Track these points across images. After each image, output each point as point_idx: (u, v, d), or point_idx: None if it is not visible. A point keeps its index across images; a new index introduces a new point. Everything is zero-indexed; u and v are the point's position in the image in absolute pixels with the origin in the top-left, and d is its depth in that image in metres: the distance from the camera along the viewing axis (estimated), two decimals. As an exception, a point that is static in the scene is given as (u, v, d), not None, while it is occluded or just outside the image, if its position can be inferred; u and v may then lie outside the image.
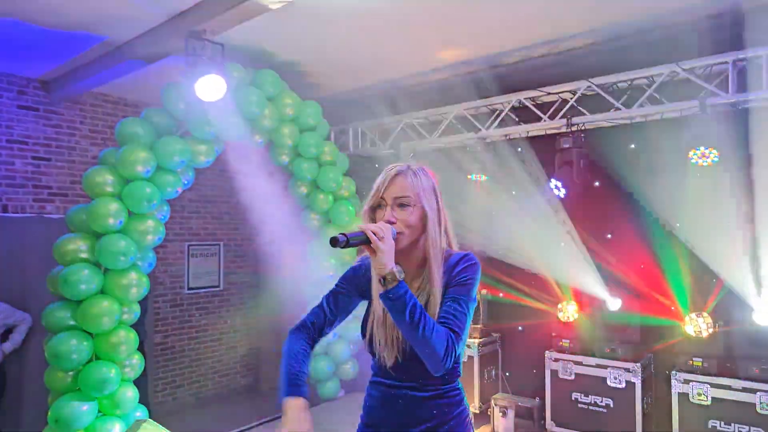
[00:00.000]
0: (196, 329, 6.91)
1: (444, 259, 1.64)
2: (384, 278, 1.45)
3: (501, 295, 5.41)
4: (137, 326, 4.11)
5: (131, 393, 3.76)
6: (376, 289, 1.60)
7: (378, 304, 1.65)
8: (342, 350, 6.00)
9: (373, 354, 1.71)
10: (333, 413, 5.60)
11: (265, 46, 4.61)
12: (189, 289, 6.83)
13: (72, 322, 3.58)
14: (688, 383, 3.93)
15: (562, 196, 4.78)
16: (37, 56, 4.59)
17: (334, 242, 1.46)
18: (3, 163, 5.02)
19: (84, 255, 3.67)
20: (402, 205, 1.61)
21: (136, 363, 3.83)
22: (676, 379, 3.98)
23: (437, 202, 1.67)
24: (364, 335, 1.73)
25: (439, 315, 1.55)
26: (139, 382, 4.20)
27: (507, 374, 5.51)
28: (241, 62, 4.55)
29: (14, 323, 4.39)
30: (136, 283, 3.78)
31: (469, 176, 5.67)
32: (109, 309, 3.58)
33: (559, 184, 4.65)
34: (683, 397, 3.94)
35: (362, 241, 1.48)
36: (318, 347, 6.14)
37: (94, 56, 4.60)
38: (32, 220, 5.12)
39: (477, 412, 5.19)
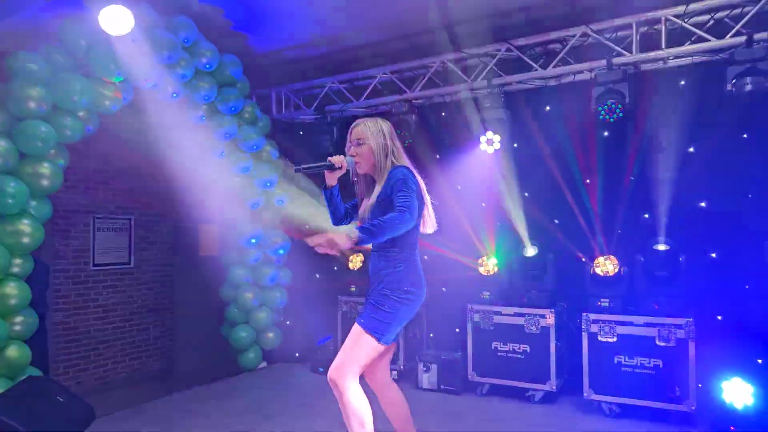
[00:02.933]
0: (103, 308, 6.37)
1: (388, 171, 2.55)
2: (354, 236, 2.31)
3: (425, 258, 5.46)
4: (36, 303, 3.72)
5: (21, 353, 3.38)
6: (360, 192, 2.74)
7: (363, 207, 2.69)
8: (264, 318, 5.81)
9: None
10: (253, 384, 5.39)
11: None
12: (95, 265, 6.29)
13: (-50, 273, 3.16)
14: (597, 323, 4.17)
15: (491, 152, 4.89)
16: None
17: (296, 170, 2.57)
18: None
19: (-35, 198, 3.24)
20: (358, 144, 2.58)
21: (27, 320, 3.45)
22: (586, 320, 4.21)
23: (384, 139, 2.58)
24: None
25: (395, 207, 2.41)
26: (40, 365, 3.81)
27: (431, 335, 5.59)
28: (154, 8, 4.25)
29: None
30: (28, 232, 3.40)
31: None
32: (-4, 257, 3.19)
33: (496, 138, 4.76)
34: (592, 336, 4.18)
35: (320, 167, 2.54)
36: (239, 315, 5.88)
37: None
38: None
39: (402, 369, 5.21)
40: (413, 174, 2.56)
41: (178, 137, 5.30)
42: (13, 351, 3.32)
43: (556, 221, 4.93)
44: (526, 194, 5.11)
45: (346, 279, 5.88)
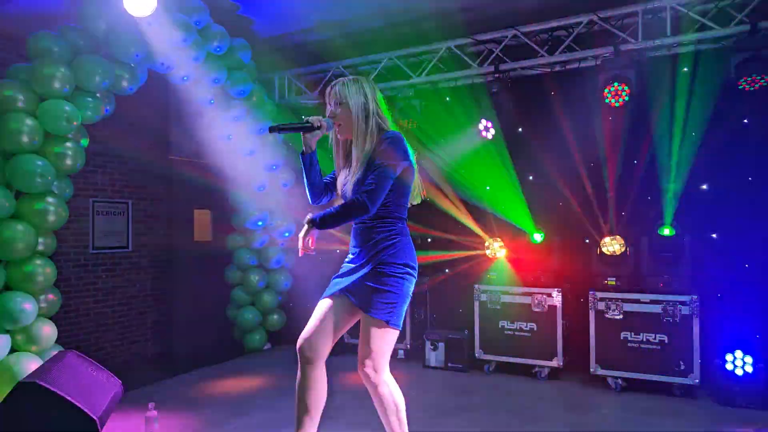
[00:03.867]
0: (102, 292, 6.35)
1: (379, 137, 2.29)
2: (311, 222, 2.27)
3: (429, 240, 5.59)
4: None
5: (49, 330, 3.39)
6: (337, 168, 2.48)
7: (342, 179, 2.45)
8: (269, 300, 5.88)
9: None
10: (258, 365, 5.45)
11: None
12: (94, 248, 6.26)
13: (-22, 251, 3.16)
14: (604, 301, 4.35)
15: (490, 137, 5.01)
16: None
17: (270, 130, 2.30)
18: None
19: (-10, 177, 3.23)
20: (337, 104, 2.31)
21: (53, 299, 3.46)
22: (593, 298, 4.39)
23: (366, 99, 2.30)
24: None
25: (363, 186, 2.22)
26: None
27: (434, 316, 5.72)
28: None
29: None
30: (53, 210, 3.41)
31: (401, 123, 5.75)
32: (24, 235, 3.20)
33: (489, 124, 4.88)
34: (599, 314, 4.36)
35: (296, 128, 2.32)
36: (245, 297, 5.92)
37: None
38: None
39: (408, 348, 5.34)
40: (406, 140, 2.31)
41: (184, 121, 5.29)
42: (40, 328, 3.34)
43: (561, 203, 5.08)
44: (531, 177, 5.26)
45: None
